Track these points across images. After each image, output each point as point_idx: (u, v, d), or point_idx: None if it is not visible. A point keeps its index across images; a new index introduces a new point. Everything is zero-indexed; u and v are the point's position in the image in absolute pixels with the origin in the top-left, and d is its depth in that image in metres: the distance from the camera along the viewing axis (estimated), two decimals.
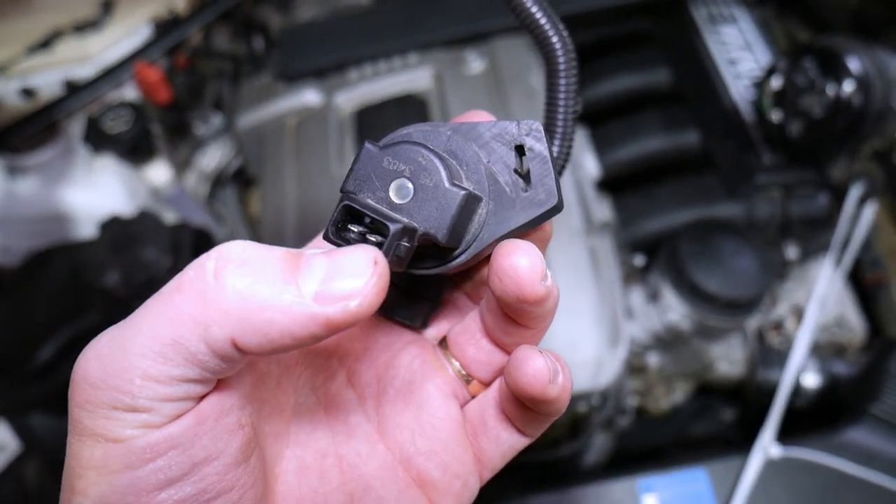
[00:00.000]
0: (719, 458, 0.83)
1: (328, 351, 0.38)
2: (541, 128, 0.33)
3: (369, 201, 0.31)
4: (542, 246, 0.36)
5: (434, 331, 0.40)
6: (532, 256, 0.30)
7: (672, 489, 0.80)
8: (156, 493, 0.27)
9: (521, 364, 0.32)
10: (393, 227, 0.29)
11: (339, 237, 0.30)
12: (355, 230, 0.31)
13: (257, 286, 0.26)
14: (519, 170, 0.34)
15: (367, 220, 0.30)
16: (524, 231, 0.34)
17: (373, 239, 0.30)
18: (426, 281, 0.38)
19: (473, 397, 0.38)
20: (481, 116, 0.36)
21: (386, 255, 0.29)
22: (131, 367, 0.26)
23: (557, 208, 0.33)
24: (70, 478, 0.27)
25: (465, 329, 0.38)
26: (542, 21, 0.37)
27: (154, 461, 0.26)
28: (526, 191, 0.33)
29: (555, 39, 0.37)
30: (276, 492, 0.33)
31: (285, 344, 0.26)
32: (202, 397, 0.28)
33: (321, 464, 0.35)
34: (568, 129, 0.38)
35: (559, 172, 0.39)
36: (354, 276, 0.26)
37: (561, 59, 0.37)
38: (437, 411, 0.36)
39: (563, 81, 0.37)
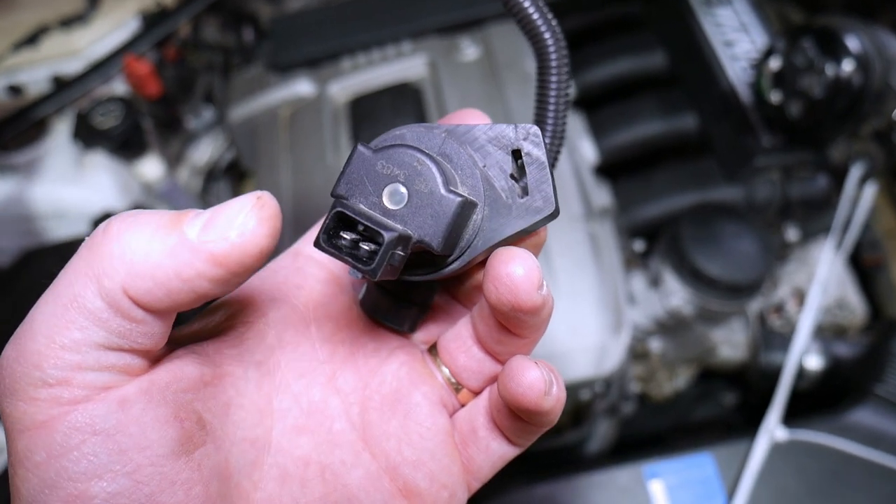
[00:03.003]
0: (725, 442, 0.82)
1: (312, 354, 0.36)
2: (539, 132, 0.32)
3: (362, 207, 0.30)
4: (536, 251, 0.35)
5: (422, 336, 0.39)
6: (528, 265, 0.30)
7: (679, 475, 0.80)
8: (85, 482, 0.26)
9: (516, 375, 0.31)
10: (388, 236, 0.28)
11: (330, 244, 0.29)
12: (347, 237, 0.29)
13: (142, 234, 0.27)
14: (515, 175, 0.33)
15: (361, 227, 0.29)
16: (519, 237, 0.33)
17: (366, 247, 0.29)
18: (415, 284, 0.37)
19: (462, 406, 0.37)
20: (475, 116, 0.35)
21: (380, 264, 0.28)
22: (35, 337, 0.26)
23: (554, 216, 0.32)
24: (10, 478, 0.27)
25: (457, 336, 0.37)
26: (535, 16, 0.36)
27: (78, 449, 0.26)
28: (522, 197, 0.32)
29: (547, 35, 0.36)
30: (254, 500, 0.32)
31: (175, 287, 0.26)
32: (128, 381, 0.28)
33: (303, 472, 0.34)
34: (558, 128, 0.37)
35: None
36: (234, 211, 0.27)
37: (553, 57, 0.36)
38: (425, 420, 0.35)
39: (554, 80, 0.36)
